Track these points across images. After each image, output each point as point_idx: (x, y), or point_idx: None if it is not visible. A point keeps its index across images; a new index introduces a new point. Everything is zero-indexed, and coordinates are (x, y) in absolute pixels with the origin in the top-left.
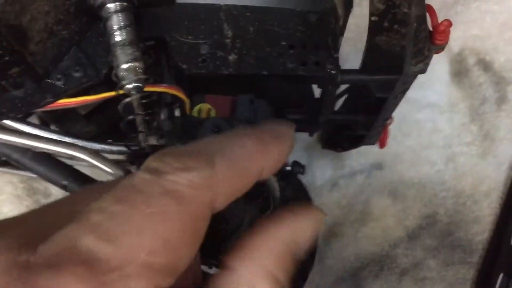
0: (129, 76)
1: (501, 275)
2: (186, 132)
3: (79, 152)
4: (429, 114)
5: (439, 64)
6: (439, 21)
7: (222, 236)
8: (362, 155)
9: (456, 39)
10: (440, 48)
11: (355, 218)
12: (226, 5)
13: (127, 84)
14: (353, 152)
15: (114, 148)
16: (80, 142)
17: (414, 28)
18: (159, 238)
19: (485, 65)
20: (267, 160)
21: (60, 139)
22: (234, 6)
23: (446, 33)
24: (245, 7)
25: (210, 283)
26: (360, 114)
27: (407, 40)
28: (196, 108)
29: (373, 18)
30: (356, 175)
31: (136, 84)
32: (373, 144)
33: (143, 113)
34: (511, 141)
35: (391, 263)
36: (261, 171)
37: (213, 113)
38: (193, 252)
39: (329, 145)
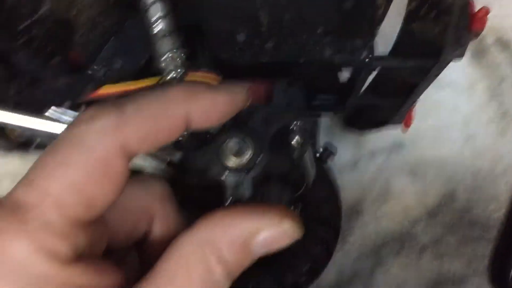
0: (171, 65)
1: None
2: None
3: None
4: (449, 94)
5: None
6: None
7: None
8: (383, 135)
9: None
10: (476, 35)
11: (375, 197)
12: None
13: (170, 73)
14: (374, 132)
15: None
16: None
17: (457, 17)
18: (65, 179)
19: (503, 44)
20: (193, 106)
21: None
22: None
23: (483, 21)
24: None
25: (175, 240)
26: (388, 97)
27: (449, 29)
28: None
29: (411, 5)
30: (377, 154)
31: (178, 74)
32: (399, 124)
33: None
34: None
35: (411, 240)
36: (185, 117)
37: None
38: (108, 191)
39: (353, 124)
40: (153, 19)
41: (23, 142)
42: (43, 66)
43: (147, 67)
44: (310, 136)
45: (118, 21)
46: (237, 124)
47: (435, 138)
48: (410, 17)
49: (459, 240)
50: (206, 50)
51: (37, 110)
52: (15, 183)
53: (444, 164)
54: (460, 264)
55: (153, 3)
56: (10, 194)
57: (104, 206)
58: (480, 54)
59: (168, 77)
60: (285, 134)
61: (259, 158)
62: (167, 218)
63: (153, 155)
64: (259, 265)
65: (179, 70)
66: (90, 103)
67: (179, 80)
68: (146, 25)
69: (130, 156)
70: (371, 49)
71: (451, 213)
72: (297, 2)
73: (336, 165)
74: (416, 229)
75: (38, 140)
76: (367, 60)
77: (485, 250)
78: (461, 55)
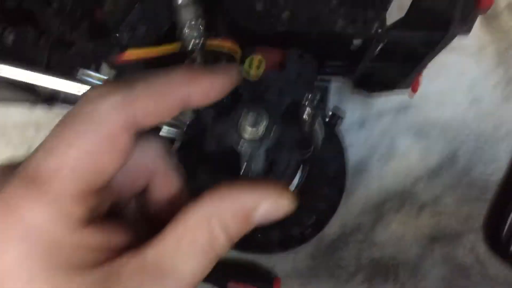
0: (193, 33)
1: None
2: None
3: None
4: (457, 57)
5: None
6: None
7: (272, 176)
8: (390, 97)
9: None
10: (484, 12)
11: (380, 156)
12: None
13: (192, 40)
14: (382, 94)
15: None
16: None
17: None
18: (81, 149)
19: None
20: (193, 87)
21: None
22: None
23: None
24: None
25: (182, 210)
26: (396, 64)
27: (457, 5)
28: (248, 59)
29: None
30: (384, 115)
31: (200, 41)
32: (407, 88)
33: None
34: None
35: (411, 199)
36: (187, 96)
37: (263, 65)
38: (117, 160)
39: (362, 86)
40: None
41: (48, 97)
42: (72, 30)
43: (170, 33)
44: (320, 102)
45: None
46: (254, 97)
47: (441, 100)
48: None
49: (457, 200)
50: (225, 18)
51: (66, 72)
52: (38, 132)
53: (448, 126)
54: (456, 222)
55: None
56: (30, 160)
57: (113, 173)
58: (491, 18)
59: (190, 44)
60: (297, 106)
61: (273, 130)
62: (166, 174)
63: (173, 118)
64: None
65: (201, 36)
66: (115, 66)
67: (199, 47)
68: None
69: (136, 130)
70: (383, 21)
71: (451, 174)
72: None
73: (344, 125)
74: (417, 188)
75: (62, 95)
76: (379, 31)
77: (481, 210)
78: (468, 30)
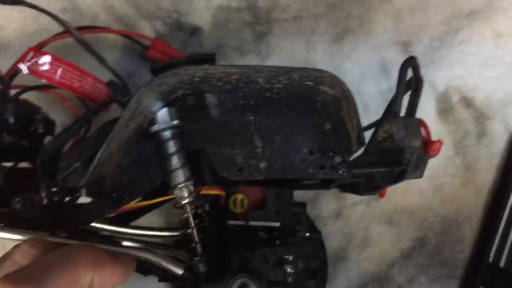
0: (183, 194)
1: None
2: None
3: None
4: None
5: (426, 103)
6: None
7: None
8: None
9: (442, 79)
10: (432, 157)
11: (357, 243)
12: (255, 118)
13: (183, 200)
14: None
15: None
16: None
17: (414, 160)
18: None
19: (467, 102)
20: (96, 272)
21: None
22: (262, 119)
23: (438, 149)
24: (271, 120)
25: None
26: (364, 179)
27: (409, 167)
28: (232, 198)
29: (378, 138)
30: (357, 205)
31: (190, 200)
32: (374, 195)
33: (197, 224)
34: (489, 170)
35: (388, 281)
36: (91, 280)
37: (246, 203)
38: None
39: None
40: (169, 152)
41: None
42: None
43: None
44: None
45: (136, 152)
46: (241, 265)
47: (407, 189)
48: (378, 142)
49: (430, 278)
50: (209, 167)
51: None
52: None
53: (415, 212)
54: None
55: (168, 140)
56: None
57: None
58: (446, 112)
59: (183, 201)
60: (281, 264)
61: None
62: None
63: None
64: None
65: (190, 196)
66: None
67: (190, 202)
68: (161, 155)
69: None
70: (349, 165)
71: (422, 255)
72: (285, 126)
73: (322, 216)
74: (392, 270)
75: None
76: (344, 174)
77: (452, 287)
78: (421, 175)
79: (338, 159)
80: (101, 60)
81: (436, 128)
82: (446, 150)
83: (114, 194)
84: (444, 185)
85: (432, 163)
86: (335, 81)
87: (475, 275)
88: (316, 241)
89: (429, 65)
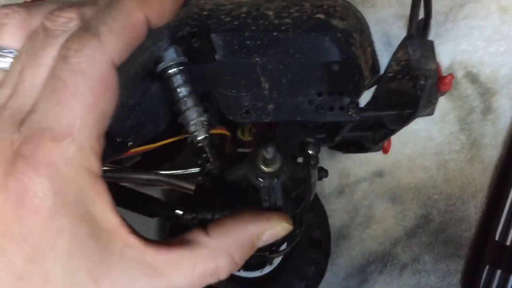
0: (199, 129)
1: (487, 267)
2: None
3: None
4: (423, 125)
5: None
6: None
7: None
8: (365, 164)
9: (447, 54)
10: (443, 94)
11: (360, 221)
12: (261, 60)
13: (198, 135)
14: (357, 161)
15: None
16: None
17: (428, 87)
18: (85, 103)
19: (472, 78)
20: (147, 10)
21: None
22: (268, 60)
23: (449, 84)
24: (278, 61)
25: (185, 242)
26: (370, 131)
27: (422, 96)
28: (240, 129)
29: (389, 74)
30: (360, 182)
31: (206, 135)
32: (378, 150)
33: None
34: (495, 147)
35: (392, 259)
36: (146, 21)
37: (253, 130)
38: (112, 102)
39: (337, 148)
40: (180, 95)
41: None
42: None
43: (168, 127)
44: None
45: (140, 94)
46: (267, 139)
47: (411, 166)
48: (387, 80)
49: (435, 257)
50: (215, 109)
51: None
52: None
53: (419, 190)
54: (436, 278)
55: (176, 74)
56: (39, 120)
57: (111, 115)
58: (451, 87)
59: (198, 138)
60: (302, 147)
61: (285, 167)
62: None
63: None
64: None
65: (206, 131)
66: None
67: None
68: (170, 93)
69: (117, 65)
70: (357, 105)
71: (427, 234)
72: (292, 67)
73: (324, 193)
74: (396, 249)
75: None
76: (354, 115)
77: (457, 266)
78: (432, 112)
79: (347, 100)
80: None
81: (440, 104)
82: (450, 127)
83: (118, 139)
84: (449, 162)
85: (437, 139)
86: (348, 10)
87: (481, 254)
88: (319, 212)
89: (434, 40)
